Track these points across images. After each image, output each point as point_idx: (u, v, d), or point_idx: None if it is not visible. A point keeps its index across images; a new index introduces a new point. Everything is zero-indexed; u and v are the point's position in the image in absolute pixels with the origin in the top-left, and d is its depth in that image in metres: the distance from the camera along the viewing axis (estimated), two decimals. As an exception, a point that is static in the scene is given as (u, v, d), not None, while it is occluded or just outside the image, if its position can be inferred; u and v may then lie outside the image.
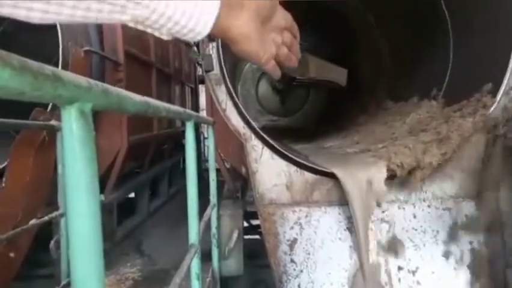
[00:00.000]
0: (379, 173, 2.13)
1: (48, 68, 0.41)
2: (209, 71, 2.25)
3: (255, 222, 4.17)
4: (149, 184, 4.47)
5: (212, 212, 2.33)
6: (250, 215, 3.66)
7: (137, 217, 4.07)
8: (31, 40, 3.24)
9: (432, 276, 2.17)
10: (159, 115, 0.85)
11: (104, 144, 3.03)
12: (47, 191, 2.52)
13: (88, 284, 0.54)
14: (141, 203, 4.24)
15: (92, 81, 0.51)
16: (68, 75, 0.44)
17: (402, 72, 3.34)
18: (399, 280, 2.15)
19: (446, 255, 2.19)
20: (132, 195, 4.30)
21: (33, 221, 2.15)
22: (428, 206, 2.26)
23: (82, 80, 0.47)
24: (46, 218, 2.15)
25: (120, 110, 0.62)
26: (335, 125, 4.16)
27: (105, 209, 3.08)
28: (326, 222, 2.25)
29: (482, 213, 2.21)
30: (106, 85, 0.55)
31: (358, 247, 2.13)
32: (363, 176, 2.13)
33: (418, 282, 2.16)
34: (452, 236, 2.20)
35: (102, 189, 3.07)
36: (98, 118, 2.91)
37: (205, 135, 6.48)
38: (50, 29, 2.39)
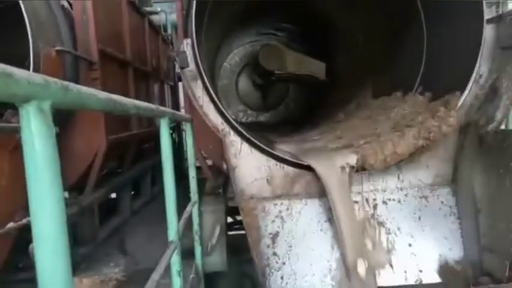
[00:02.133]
0: (352, 162, 2.16)
1: (-1, 66, 0.41)
2: (184, 67, 2.24)
3: (239, 217, 4.17)
4: (131, 184, 4.42)
5: (193, 209, 2.32)
6: (235, 211, 3.66)
7: (119, 217, 4.03)
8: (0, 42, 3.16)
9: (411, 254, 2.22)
10: (128, 112, 0.85)
11: (82, 144, 2.98)
12: (25, 194, 2.47)
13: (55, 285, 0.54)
14: (123, 203, 4.19)
15: (51, 79, 0.50)
16: (22, 73, 0.43)
17: (382, 68, 3.36)
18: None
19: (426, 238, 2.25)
20: (114, 195, 4.25)
21: (10, 225, 2.11)
22: (406, 195, 2.31)
23: (37, 78, 0.46)
24: (24, 221, 2.12)
25: (83, 108, 0.62)
26: (317, 120, 4.19)
27: (86, 210, 3.04)
28: (307, 214, 2.27)
29: (457, 199, 2.27)
30: (66, 82, 0.55)
31: (339, 239, 2.15)
32: (336, 165, 2.16)
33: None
34: (430, 221, 2.26)
35: (82, 190, 3.02)
36: (76, 118, 2.85)
37: (187, 133, 6.41)
38: (19, 29, 2.32)
